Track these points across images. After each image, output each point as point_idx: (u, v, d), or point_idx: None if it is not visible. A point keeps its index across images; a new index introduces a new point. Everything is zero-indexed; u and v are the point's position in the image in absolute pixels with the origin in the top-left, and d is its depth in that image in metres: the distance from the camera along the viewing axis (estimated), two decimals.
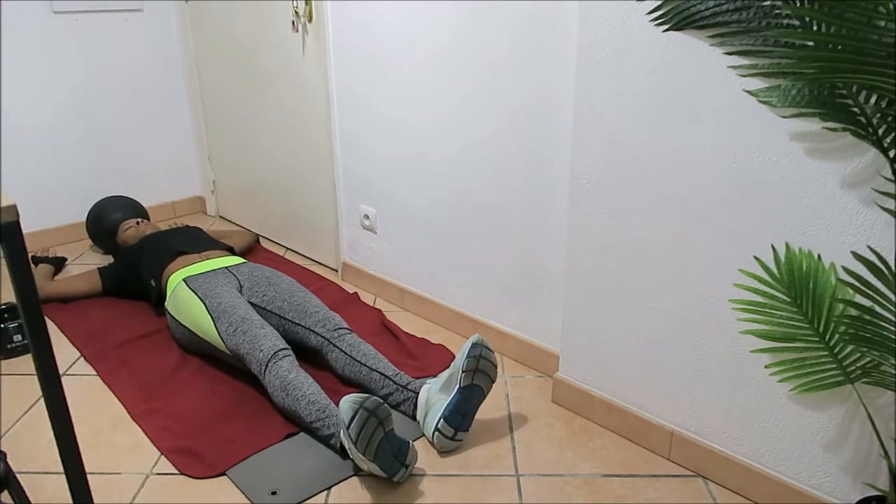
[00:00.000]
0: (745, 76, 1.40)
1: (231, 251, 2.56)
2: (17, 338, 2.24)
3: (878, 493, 1.37)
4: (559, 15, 1.80)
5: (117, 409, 1.98)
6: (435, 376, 2.08)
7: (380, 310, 2.55)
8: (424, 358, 2.21)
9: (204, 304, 2.08)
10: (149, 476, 1.72)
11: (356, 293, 2.68)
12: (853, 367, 1.30)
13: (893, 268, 1.18)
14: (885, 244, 1.30)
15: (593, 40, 1.64)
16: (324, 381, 2.04)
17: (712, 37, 1.42)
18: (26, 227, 3.09)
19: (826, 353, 1.32)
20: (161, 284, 2.39)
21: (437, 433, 1.77)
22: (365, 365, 1.97)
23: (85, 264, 3.02)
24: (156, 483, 1.69)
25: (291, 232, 3.13)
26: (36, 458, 1.78)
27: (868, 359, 1.27)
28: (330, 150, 2.71)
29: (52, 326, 2.43)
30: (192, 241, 2.53)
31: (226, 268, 2.31)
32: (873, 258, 1.29)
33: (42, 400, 1.97)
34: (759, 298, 1.47)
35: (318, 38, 2.60)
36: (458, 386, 1.77)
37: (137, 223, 2.88)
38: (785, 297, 1.35)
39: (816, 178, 1.36)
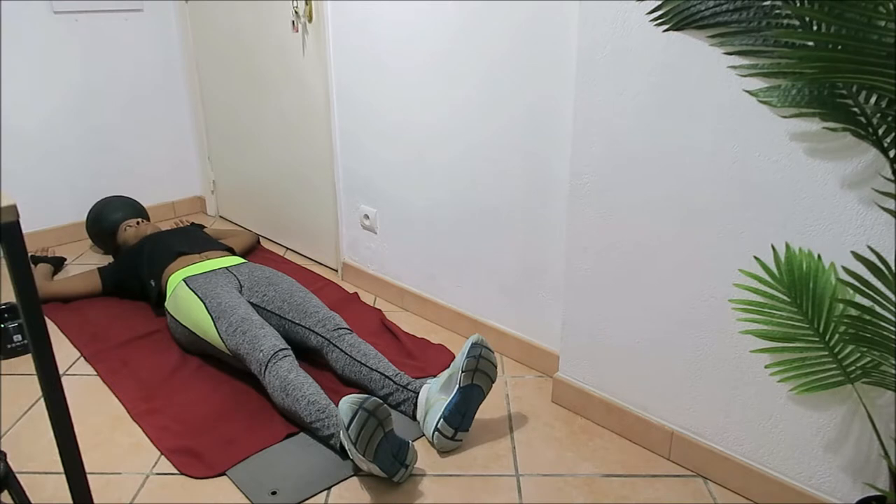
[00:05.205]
0: (745, 76, 1.40)
1: (231, 251, 2.56)
2: (17, 338, 2.24)
3: (878, 493, 1.37)
4: (559, 15, 1.80)
5: (117, 409, 1.98)
6: (435, 376, 2.08)
7: (380, 310, 2.55)
8: (424, 358, 2.21)
9: (204, 304, 2.08)
10: (149, 476, 1.72)
11: (356, 293, 2.68)
12: (853, 367, 1.30)
13: (893, 268, 1.18)
14: (885, 244, 1.30)
15: (593, 40, 1.64)
16: (324, 381, 2.04)
17: (712, 37, 1.42)
18: (26, 227, 3.09)
19: (826, 353, 1.32)
20: (161, 284, 2.39)
21: (437, 433, 1.77)
22: (365, 365, 1.97)
23: (85, 264, 3.02)
24: (156, 483, 1.69)
25: (291, 232, 3.13)
26: (36, 458, 1.78)
27: (868, 359, 1.27)
28: (330, 150, 2.71)
29: (52, 326, 2.43)
30: (191, 241, 2.53)
31: (226, 268, 2.31)
32: (873, 258, 1.29)
33: (42, 400, 1.97)
34: (758, 298, 1.47)
35: (318, 38, 2.60)
36: (457, 386, 1.77)
37: (137, 223, 2.88)
38: (785, 297, 1.35)
39: (816, 178, 1.36)
